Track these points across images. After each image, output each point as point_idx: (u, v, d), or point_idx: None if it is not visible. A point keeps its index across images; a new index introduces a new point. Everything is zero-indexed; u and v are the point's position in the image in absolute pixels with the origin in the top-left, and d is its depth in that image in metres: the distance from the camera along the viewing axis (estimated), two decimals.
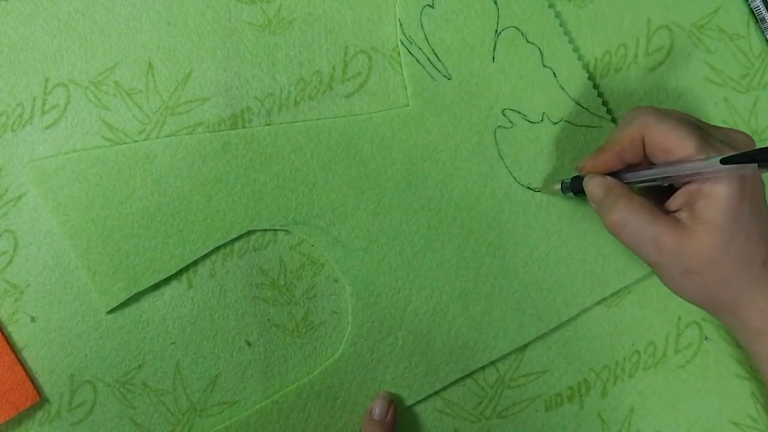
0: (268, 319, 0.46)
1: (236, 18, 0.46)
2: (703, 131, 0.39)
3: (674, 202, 0.40)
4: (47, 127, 0.45)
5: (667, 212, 0.40)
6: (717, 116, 0.49)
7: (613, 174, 0.42)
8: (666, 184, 0.41)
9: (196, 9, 0.46)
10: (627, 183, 0.42)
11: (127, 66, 0.45)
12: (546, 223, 0.47)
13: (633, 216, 0.40)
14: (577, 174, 0.44)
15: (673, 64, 0.49)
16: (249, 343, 0.46)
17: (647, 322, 0.48)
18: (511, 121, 0.47)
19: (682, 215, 0.39)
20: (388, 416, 0.45)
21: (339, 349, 0.46)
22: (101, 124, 0.45)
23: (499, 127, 0.47)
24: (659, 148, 0.39)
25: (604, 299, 0.48)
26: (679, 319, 0.49)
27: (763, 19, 0.48)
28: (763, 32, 0.49)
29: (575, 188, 0.44)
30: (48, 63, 0.45)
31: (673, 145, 0.38)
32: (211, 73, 0.46)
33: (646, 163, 0.41)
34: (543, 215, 0.47)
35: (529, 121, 0.47)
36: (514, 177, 0.47)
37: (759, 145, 0.41)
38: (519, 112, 0.47)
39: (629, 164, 0.42)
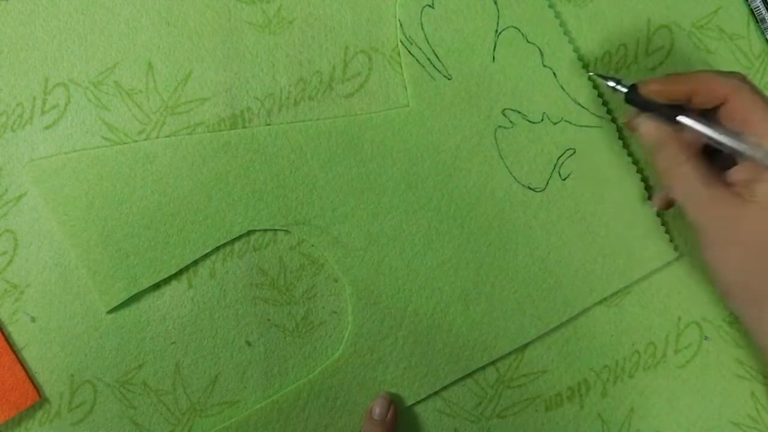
0: (268, 319, 0.46)
1: (236, 18, 0.46)
2: None
3: (735, 176, 0.40)
4: (47, 127, 0.45)
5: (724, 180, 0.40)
6: None
7: (669, 110, 0.41)
8: (728, 152, 0.40)
9: (196, 9, 0.46)
10: (693, 130, 0.40)
11: (127, 66, 0.45)
12: (546, 223, 0.47)
13: (692, 173, 0.39)
14: (634, 84, 0.42)
15: (673, 64, 0.49)
16: (249, 343, 0.46)
17: (647, 322, 0.48)
18: (511, 121, 0.47)
19: (739, 190, 0.39)
20: (388, 416, 0.45)
21: (339, 349, 0.46)
22: (101, 124, 0.45)
23: (500, 127, 0.47)
24: (740, 116, 0.39)
25: (604, 299, 0.48)
26: (679, 319, 0.49)
27: (763, 19, 0.48)
28: (763, 32, 0.49)
29: (630, 99, 0.42)
30: (48, 63, 0.45)
31: (757, 121, 0.38)
32: (211, 73, 0.46)
33: (703, 115, 0.41)
34: (543, 215, 0.47)
35: (529, 121, 0.47)
36: (514, 177, 0.47)
37: None
38: (519, 112, 0.47)
39: (691, 107, 0.41)
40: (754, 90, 0.39)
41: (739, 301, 0.42)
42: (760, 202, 0.38)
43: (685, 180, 0.40)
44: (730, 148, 0.39)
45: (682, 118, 0.40)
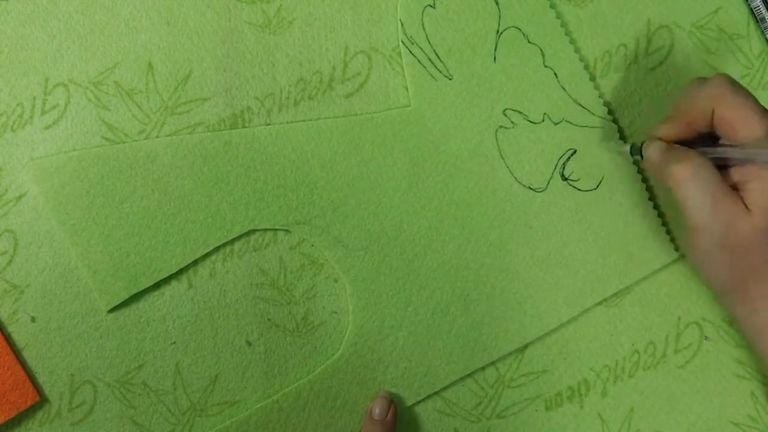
0: (269, 319, 0.46)
1: (236, 18, 0.46)
2: None
3: (728, 179, 0.40)
4: (47, 127, 0.45)
5: None
6: None
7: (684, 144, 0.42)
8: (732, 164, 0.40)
9: (196, 9, 0.46)
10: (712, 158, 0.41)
11: (127, 66, 0.45)
12: (547, 223, 0.47)
13: (699, 171, 0.39)
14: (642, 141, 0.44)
15: (673, 64, 0.49)
16: (249, 343, 0.46)
17: (647, 322, 0.48)
18: (512, 122, 0.47)
19: (744, 186, 0.39)
20: (389, 416, 0.45)
21: (339, 349, 0.46)
22: (101, 124, 0.45)
23: (501, 127, 0.47)
24: (727, 122, 0.39)
25: (604, 299, 0.48)
26: (679, 319, 0.49)
27: (763, 19, 0.48)
28: (763, 32, 0.49)
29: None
30: (48, 63, 0.45)
31: (742, 123, 0.38)
32: (211, 73, 0.46)
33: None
34: (544, 216, 0.47)
35: (530, 122, 0.47)
36: (515, 177, 0.47)
37: None
38: (520, 113, 0.47)
39: (699, 134, 0.41)
40: (734, 89, 0.39)
41: (727, 299, 0.42)
42: (753, 205, 0.38)
43: (695, 179, 0.39)
44: (747, 160, 0.39)
45: (700, 149, 0.41)
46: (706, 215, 0.39)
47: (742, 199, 0.39)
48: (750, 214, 0.38)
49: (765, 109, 0.39)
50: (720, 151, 0.40)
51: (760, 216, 0.38)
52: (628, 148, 0.45)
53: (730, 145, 0.39)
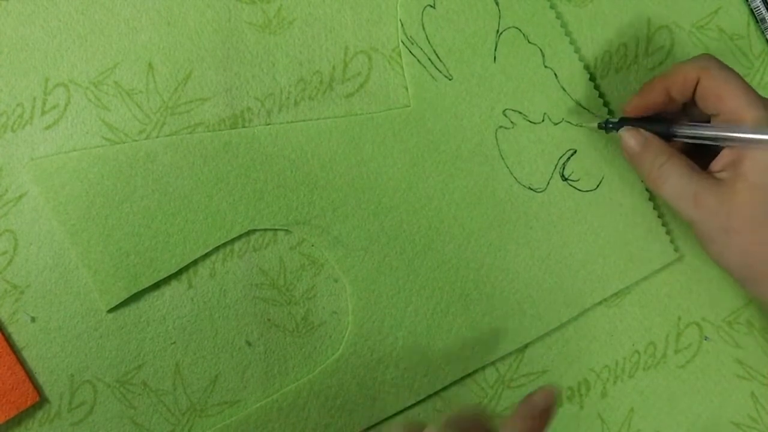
0: (268, 319, 0.46)
1: (236, 18, 0.46)
2: (757, 94, 0.39)
3: (719, 162, 0.40)
4: (47, 128, 0.45)
5: (708, 172, 0.40)
6: None
7: (660, 125, 0.42)
8: (713, 145, 0.40)
9: (196, 9, 0.46)
10: (672, 138, 0.41)
11: (127, 66, 0.45)
12: (547, 223, 0.47)
13: (673, 171, 0.40)
14: (620, 118, 0.44)
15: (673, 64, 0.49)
16: (249, 343, 0.46)
17: (647, 322, 0.48)
18: (512, 122, 0.47)
19: (724, 174, 0.39)
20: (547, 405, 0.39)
21: (339, 349, 0.46)
22: (101, 125, 0.45)
23: (500, 127, 0.47)
24: (713, 93, 0.39)
25: (604, 299, 0.48)
26: (679, 319, 0.49)
27: (763, 19, 0.48)
28: (763, 32, 0.49)
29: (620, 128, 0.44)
30: (48, 63, 0.45)
31: (729, 94, 0.38)
32: (211, 73, 0.46)
33: (685, 112, 0.41)
34: (544, 216, 0.47)
35: (530, 122, 0.47)
36: (515, 177, 0.47)
37: None
38: (520, 113, 0.47)
39: (673, 105, 0.42)
40: (722, 66, 0.40)
41: (752, 282, 0.41)
42: (748, 182, 0.38)
43: (670, 178, 0.40)
44: (734, 138, 0.39)
45: (676, 128, 0.41)
46: (693, 210, 0.40)
47: (730, 179, 0.39)
48: (739, 193, 0.38)
49: (752, 89, 0.39)
50: (699, 130, 0.40)
51: (755, 192, 0.38)
52: (595, 124, 0.45)
53: (710, 126, 0.40)
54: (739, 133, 0.38)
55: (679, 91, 0.41)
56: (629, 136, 0.43)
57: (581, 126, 0.47)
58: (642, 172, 0.42)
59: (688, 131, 0.41)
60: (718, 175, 0.40)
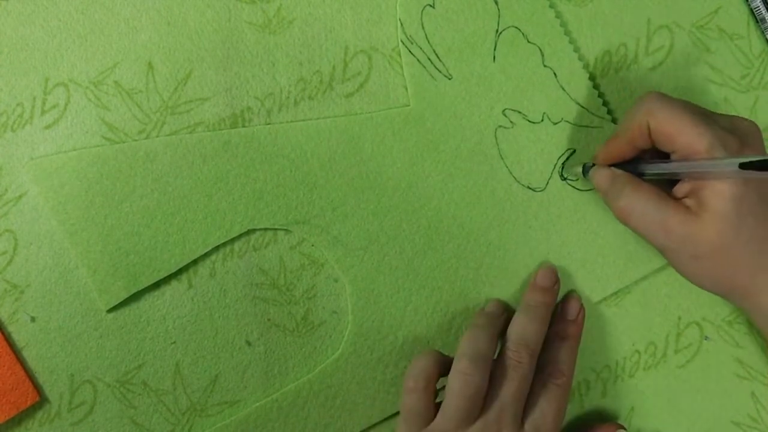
0: (268, 319, 0.46)
1: (236, 18, 0.46)
2: (708, 118, 0.39)
3: (680, 189, 0.40)
4: (47, 127, 0.45)
5: (675, 198, 0.40)
6: None
7: (628, 164, 0.43)
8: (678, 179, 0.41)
9: (196, 9, 0.46)
10: (642, 175, 0.42)
11: (127, 66, 0.45)
12: (546, 223, 0.47)
13: (640, 201, 0.40)
14: (592, 163, 0.45)
15: (673, 64, 0.49)
16: (249, 343, 0.46)
17: (647, 322, 0.48)
18: (511, 121, 0.47)
19: (688, 202, 0.39)
20: (556, 285, 0.46)
21: (339, 348, 0.46)
22: (101, 124, 0.45)
23: (500, 127, 0.47)
24: (663, 134, 0.39)
25: (604, 299, 0.48)
26: (679, 319, 0.49)
27: (763, 19, 0.48)
28: (763, 32, 0.49)
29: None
30: (48, 63, 0.45)
31: (677, 132, 0.38)
32: (211, 73, 0.46)
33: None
34: (543, 215, 0.47)
35: (529, 121, 0.47)
36: (514, 177, 0.47)
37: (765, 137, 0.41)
38: (519, 112, 0.47)
39: (643, 150, 0.42)
40: (665, 103, 0.40)
41: (728, 297, 0.42)
42: (711, 211, 0.38)
43: (636, 208, 0.40)
44: (689, 173, 0.39)
45: (644, 166, 0.42)
46: (661, 239, 0.40)
47: (694, 207, 0.39)
48: (704, 221, 0.38)
49: (699, 116, 0.39)
50: (664, 168, 0.40)
51: (717, 220, 0.38)
52: (580, 169, 0.46)
53: (675, 161, 0.40)
54: (696, 167, 0.38)
55: (640, 141, 0.41)
56: (599, 174, 0.43)
57: (567, 171, 0.47)
58: (611, 206, 0.42)
59: (654, 169, 0.41)
60: (682, 201, 0.40)
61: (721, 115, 0.40)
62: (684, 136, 0.38)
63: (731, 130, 0.39)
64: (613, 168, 0.43)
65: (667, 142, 0.39)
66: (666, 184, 0.41)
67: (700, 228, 0.38)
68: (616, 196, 0.41)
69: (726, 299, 0.43)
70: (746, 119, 0.41)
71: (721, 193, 0.38)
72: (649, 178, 0.42)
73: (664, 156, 0.41)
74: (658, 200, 0.40)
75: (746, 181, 0.38)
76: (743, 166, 0.35)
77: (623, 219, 0.41)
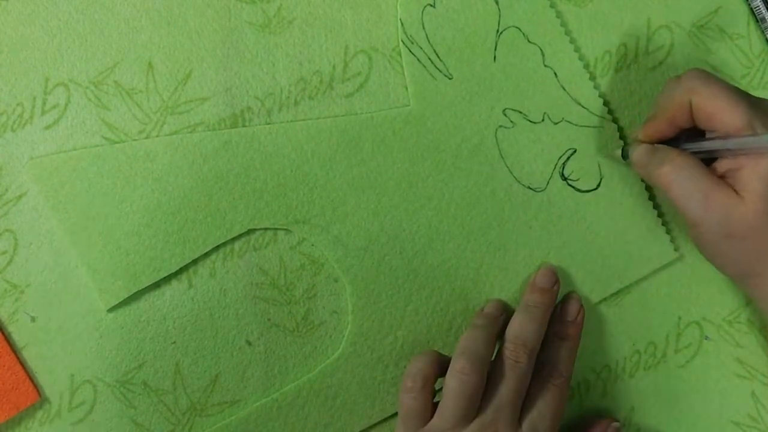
0: (269, 319, 0.46)
1: (236, 18, 0.46)
2: (750, 98, 0.39)
3: (718, 167, 0.40)
4: (47, 127, 0.45)
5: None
6: None
7: (666, 144, 0.42)
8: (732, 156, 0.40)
9: (196, 9, 0.46)
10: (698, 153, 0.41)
11: (127, 66, 0.45)
12: (546, 223, 0.47)
13: (684, 169, 0.40)
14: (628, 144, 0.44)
15: (673, 64, 0.49)
16: (249, 343, 0.46)
17: (647, 322, 0.48)
18: (512, 121, 0.47)
19: (727, 181, 0.39)
20: (555, 286, 0.46)
21: (339, 348, 0.46)
22: (101, 124, 0.45)
23: (500, 126, 0.47)
24: (705, 111, 0.39)
25: (604, 299, 0.48)
26: (680, 318, 0.49)
27: (763, 19, 0.48)
28: (763, 32, 0.49)
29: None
30: (48, 63, 0.45)
31: (719, 109, 0.38)
32: (211, 73, 0.46)
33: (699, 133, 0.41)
34: (543, 215, 0.47)
35: (530, 121, 0.47)
36: (514, 177, 0.47)
37: None
38: (520, 112, 0.47)
39: (683, 129, 0.42)
40: (708, 81, 0.39)
41: (746, 282, 0.42)
42: (750, 191, 0.38)
43: (680, 177, 0.40)
44: (734, 150, 0.39)
45: (683, 143, 0.42)
46: (700, 211, 0.39)
47: (733, 186, 0.39)
48: (743, 200, 0.38)
49: (742, 95, 0.39)
50: (704, 146, 0.40)
51: (756, 200, 0.38)
52: (620, 152, 0.45)
53: (714, 138, 0.40)
54: (738, 144, 0.38)
55: (681, 119, 0.41)
56: (640, 149, 0.43)
57: (607, 157, 0.47)
58: (651, 176, 0.42)
59: (693, 147, 0.41)
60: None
61: (761, 98, 0.40)
62: (727, 113, 0.38)
63: None
64: (651, 145, 0.42)
65: (708, 119, 0.39)
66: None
67: (739, 206, 0.38)
68: (658, 163, 0.41)
69: (739, 284, 0.43)
70: None
71: (761, 173, 0.38)
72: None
73: (700, 135, 0.41)
74: (702, 172, 0.39)
75: None
76: None
77: (664, 185, 0.40)
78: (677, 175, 0.40)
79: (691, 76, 0.40)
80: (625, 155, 0.45)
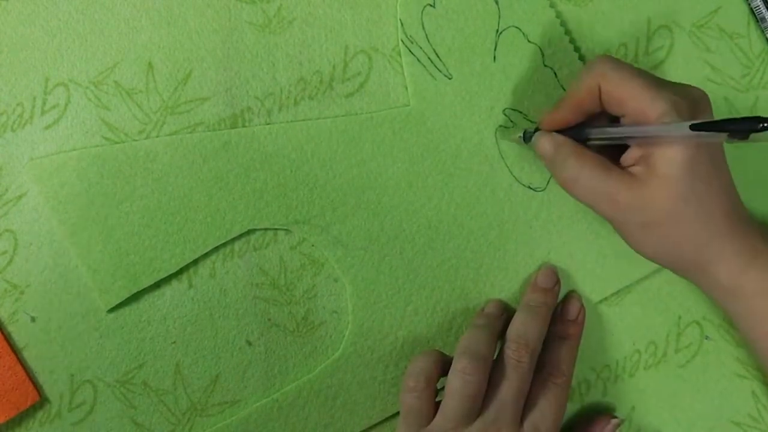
0: (269, 319, 0.46)
1: (236, 18, 0.46)
2: (660, 84, 0.38)
3: (629, 156, 0.40)
4: (47, 127, 0.45)
5: (621, 167, 0.40)
6: (717, 115, 0.48)
7: (574, 130, 0.42)
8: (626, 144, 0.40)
9: (196, 9, 0.46)
10: (587, 140, 0.41)
11: (127, 66, 0.45)
12: (547, 223, 0.47)
13: (584, 171, 0.40)
14: (536, 128, 0.44)
15: (673, 63, 0.49)
16: (249, 343, 0.46)
17: (648, 321, 0.48)
18: (512, 121, 0.47)
19: (637, 169, 0.39)
20: (556, 286, 0.46)
21: (339, 348, 0.46)
22: (101, 124, 0.45)
23: (500, 126, 0.47)
24: (614, 98, 0.39)
25: (605, 298, 0.48)
26: (680, 318, 0.49)
27: (763, 19, 0.48)
28: (763, 32, 0.49)
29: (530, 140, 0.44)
30: (48, 63, 0.45)
31: (629, 95, 0.38)
32: (211, 73, 0.46)
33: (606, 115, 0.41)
34: (544, 215, 0.47)
35: (530, 121, 0.47)
36: (514, 177, 0.47)
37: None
38: (520, 112, 0.47)
39: (590, 115, 0.41)
40: (618, 66, 0.39)
41: (682, 272, 0.42)
42: (660, 176, 0.38)
43: (581, 178, 0.40)
44: (639, 137, 0.39)
45: (588, 130, 0.41)
46: (609, 209, 0.40)
47: (644, 172, 0.39)
48: (656, 186, 0.38)
49: (652, 80, 0.38)
50: (612, 132, 0.40)
51: (670, 185, 0.38)
52: (520, 135, 0.45)
53: (624, 125, 0.39)
54: (645, 132, 0.38)
55: (589, 104, 0.40)
56: (543, 141, 0.42)
57: (508, 140, 0.47)
58: (556, 176, 0.42)
59: (600, 134, 0.41)
60: (630, 169, 0.40)
61: (672, 82, 0.40)
62: (636, 100, 0.38)
63: (682, 96, 0.38)
64: (555, 134, 0.42)
65: (618, 105, 0.39)
66: (614, 152, 0.41)
67: (649, 194, 0.38)
68: (560, 164, 0.41)
69: (675, 272, 0.42)
70: (697, 87, 0.40)
71: (671, 158, 0.37)
72: (594, 142, 0.41)
73: (612, 121, 0.41)
74: (602, 170, 0.39)
75: (697, 147, 0.37)
76: (694, 127, 0.34)
77: (568, 188, 0.41)
78: (578, 179, 0.40)
79: (601, 61, 0.40)
80: (527, 139, 0.44)
